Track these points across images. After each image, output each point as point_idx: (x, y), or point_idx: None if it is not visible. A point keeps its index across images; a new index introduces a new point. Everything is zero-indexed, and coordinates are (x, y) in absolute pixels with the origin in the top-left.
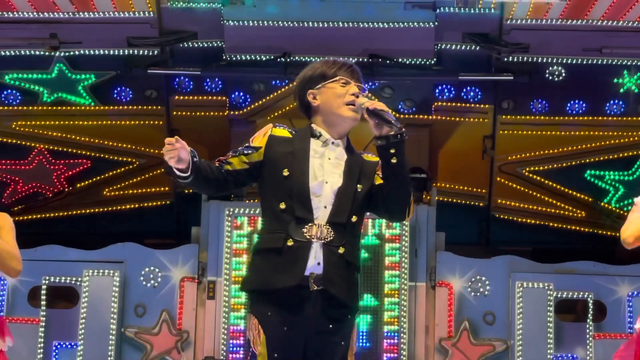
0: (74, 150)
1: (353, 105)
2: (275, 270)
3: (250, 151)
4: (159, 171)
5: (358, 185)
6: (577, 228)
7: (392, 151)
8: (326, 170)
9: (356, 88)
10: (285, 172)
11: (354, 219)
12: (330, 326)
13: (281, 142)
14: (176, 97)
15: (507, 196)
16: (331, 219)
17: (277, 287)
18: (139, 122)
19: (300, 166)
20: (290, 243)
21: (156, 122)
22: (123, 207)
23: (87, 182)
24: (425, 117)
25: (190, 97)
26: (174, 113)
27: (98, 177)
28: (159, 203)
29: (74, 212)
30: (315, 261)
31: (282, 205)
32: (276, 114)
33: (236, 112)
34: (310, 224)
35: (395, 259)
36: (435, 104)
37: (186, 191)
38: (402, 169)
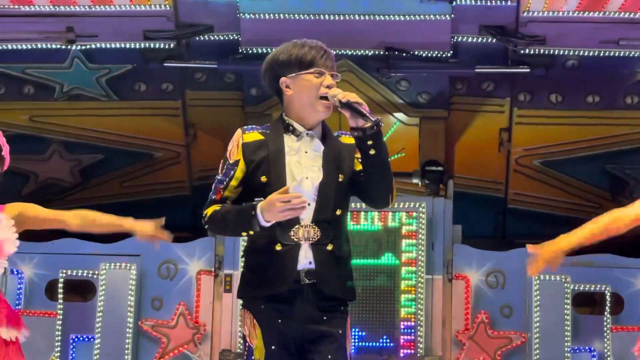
0: (90, 144)
1: (327, 98)
2: (267, 276)
3: (232, 172)
4: (175, 165)
5: (339, 175)
6: None
7: (370, 143)
8: (304, 166)
9: (330, 79)
10: (264, 179)
11: (338, 212)
12: (324, 317)
13: (255, 147)
14: (192, 90)
15: (523, 189)
16: (316, 217)
17: (271, 293)
18: (155, 115)
19: (276, 170)
20: (278, 247)
21: (172, 116)
22: (139, 200)
23: (103, 176)
24: (442, 110)
25: (207, 91)
26: (190, 106)
27: (114, 171)
28: (175, 196)
29: (90, 206)
30: (306, 260)
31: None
32: None
33: (252, 105)
34: (296, 226)
35: (412, 255)
36: (452, 97)
37: (202, 185)
38: (381, 158)
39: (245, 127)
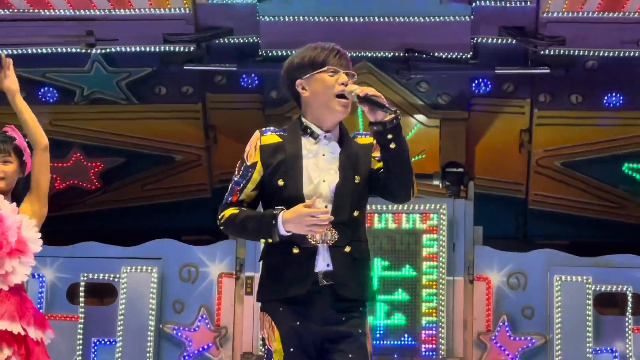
0: (111, 147)
1: (343, 96)
2: (285, 279)
3: (249, 174)
4: (195, 167)
5: (356, 177)
6: (615, 221)
7: (390, 136)
8: (321, 169)
9: (345, 77)
10: (280, 182)
11: (355, 213)
12: (343, 318)
13: (273, 150)
14: (212, 93)
15: (544, 190)
16: (333, 220)
17: (289, 296)
18: (176, 118)
19: (293, 174)
20: (296, 251)
21: (192, 119)
22: (160, 203)
23: (124, 179)
24: (462, 111)
25: (227, 94)
26: (210, 109)
27: (135, 174)
28: (195, 199)
29: (112, 209)
30: (324, 262)
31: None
32: None
33: (272, 108)
34: None
35: (433, 249)
36: (472, 98)
37: (223, 187)
38: (402, 152)
39: (263, 129)
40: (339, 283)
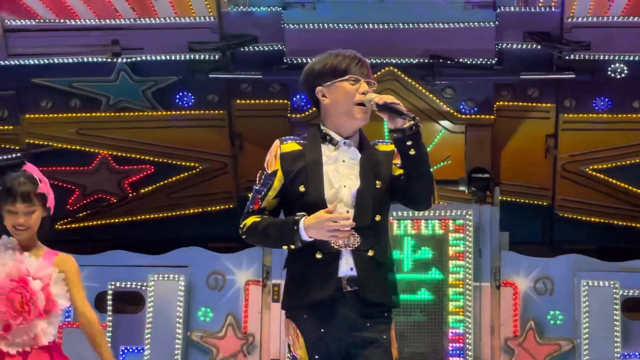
0: (137, 156)
1: (363, 105)
2: (308, 285)
3: (270, 182)
4: (221, 175)
5: (377, 182)
6: None
7: (409, 143)
8: (342, 175)
9: (366, 85)
10: (302, 189)
11: (377, 218)
12: (368, 324)
13: (293, 157)
14: (238, 101)
15: (570, 195)
16: (355, 224)
17: (312, 301)
18: (202, 126)
19: (314, 180)
20: (319, 256)
21: (218, 127)
22: (187, 211)
23: (150, 188)
24: (487, 117)
25: (252, 101)
26: (236, 117)
27: (161, 182)
28: (222, 207)
29: (138, 218)
30: (347, 267)
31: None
32: None
33: (298, 115)
34: None
35: (460, 248)
36: (497, 103)
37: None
38: (422, 159)
39: (283, 137)
40: (363, 287)
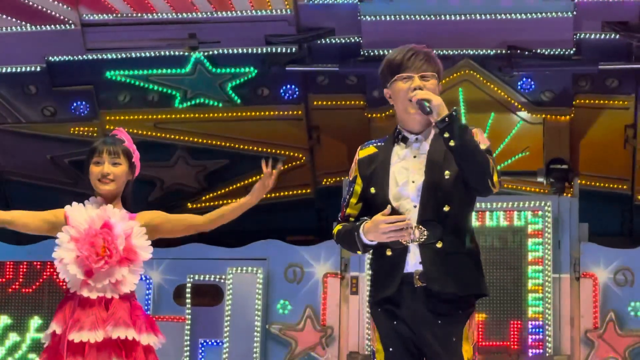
0: (214, 149)
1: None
2: (380, 282)
3: (352, 189)
4: (299, 168)
5: (446, 173)
6: None
7: (446, 135)
8: (411, 171)
9: (418, 80)
10: (372, 191)
11: (446, 208)
12: (439, 321)
13: (368, 162)
14: (315, 94)
15: None
16: (421, 218)
17: (382, 297)
18: (279, 119)
19: (381, 181)
20: (389, 253)
21: (295, 119)
22: (264, 204)
23: (228, 181)
24: (566, 107)
25: (329, 94)
26: (313, 110)
27: (239, 176)
28: (299, 200)
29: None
30: (416, 261)
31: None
32: None
33: (375, 107)
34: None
35: (539, 254)
36: (575, 94)
37: (326, 187)
38: (463, 147)
39: (365, 142)
40: (430, 280)
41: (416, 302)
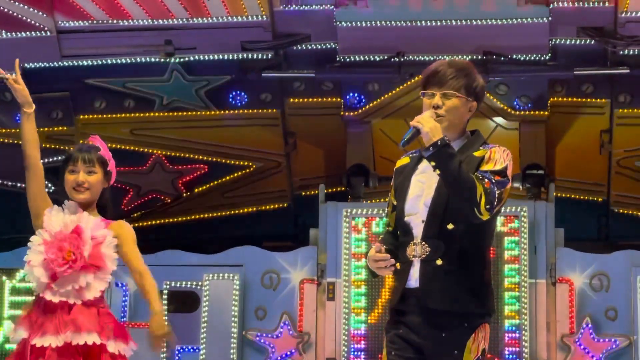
0: (191, 156)
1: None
2: (391, 293)
3: (390, 199)
4: (275, 174)
5: None
6: None
7: (432, 164)
8: (428, 185)
9: (437, 99)
10: (395, 202)
11: (450, 226)
12: (443, 334)
13: (399, 172)
14: (291, 99)
15: (626, 190)
16: (425, 234)
17: (390, 308)
18: (255, 125)
19: (402, 193)
20: (398, 266)
21: (272, 125)
22: (241, 210)
23: (204, 187)
24: (541, 113)
25: (305, 100)
26: (289, 115)
27: (215, 182)
28: (276, 206)
29: (193, 217)
30: (414, 278)
31: (398, 232)
32: (391, 113)
33: (351, 113)
34: (411, 245)
35: (515, 252)
36: (551, 99)
37: (303, 193)
38: (447, 177)
39: (408, 151)
40: (423, 294)
41: (417, 315)
